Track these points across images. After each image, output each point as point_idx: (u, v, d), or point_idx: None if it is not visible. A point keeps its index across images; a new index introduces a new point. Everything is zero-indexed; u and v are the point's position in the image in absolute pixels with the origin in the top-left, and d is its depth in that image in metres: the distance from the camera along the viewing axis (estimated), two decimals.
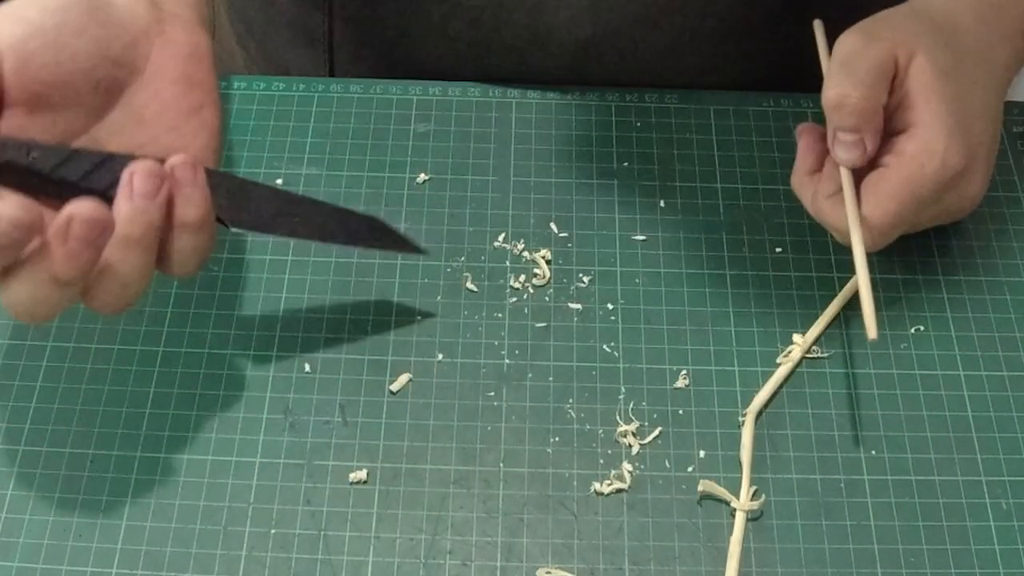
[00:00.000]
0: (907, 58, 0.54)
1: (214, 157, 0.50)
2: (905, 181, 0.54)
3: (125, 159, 0.47)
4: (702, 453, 0.55)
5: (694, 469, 0.54)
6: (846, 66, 0.54)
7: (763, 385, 0.56)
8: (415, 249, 0.57)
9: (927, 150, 0.54)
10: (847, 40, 0.55)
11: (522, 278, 0.60)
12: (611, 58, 0.68)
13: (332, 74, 0.72)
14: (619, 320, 0.58)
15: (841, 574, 0.51)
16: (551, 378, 0.57)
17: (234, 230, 0.50)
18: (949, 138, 0.53)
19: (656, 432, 0.55)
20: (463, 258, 0.61)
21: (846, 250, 0.61)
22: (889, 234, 0.55)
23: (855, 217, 0.54)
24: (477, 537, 0.52)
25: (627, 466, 0.54)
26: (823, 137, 0.57)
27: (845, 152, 0.55)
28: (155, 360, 0.57)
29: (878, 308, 0.59)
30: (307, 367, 0.57)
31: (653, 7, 0.66)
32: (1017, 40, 0.58)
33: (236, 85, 0.67)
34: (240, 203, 0.51)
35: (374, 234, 0.56)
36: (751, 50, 0.70)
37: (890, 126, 0.56)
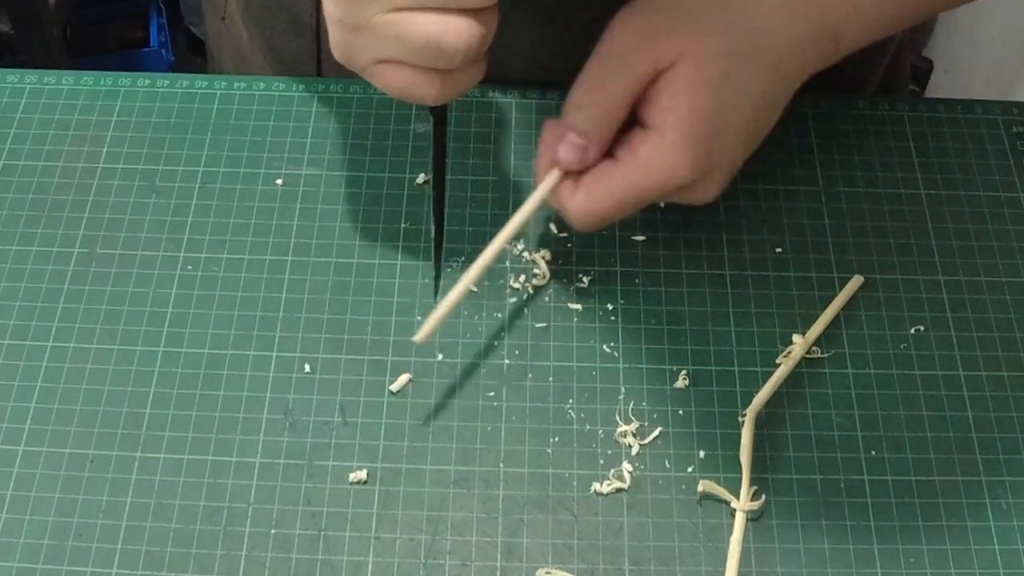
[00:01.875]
0: (671, 61, 0.52)
1: None
2: (628, 183, 0.53)
3: None
4: (702, 453, 0.54)
5: (694, 469, 0.54)
6: (605, 71, 0.53)
7: (763, 385, 0.56)
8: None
9: (657, 160, 0.52)
10: (620, 35, 0.53)
11: (522, 278, 0.60)
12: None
13: (320, 64, 0.72)
14: (619, 320, 0.58)
15: (841, 574, 0.51)
16: (551, 378, 0.57)
17: None
18: (683, 152, 0.51)
19: (656, 432, 0.55)
20: (463, 258, 0.61)
21: (846, 250, 0.61)
22: (598, 225, 0.54)
23: (522, 217, 0.55)
24: (477, 537, 0.52)
25: (627, 466, 0.54)
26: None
27: (567, 151, 0.53)
28: (155, 360, 0.57)
29: (878, 308, 0.59)
30: (307, 367, 0.57)
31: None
32: (825, 43, 0.54)
33: (236, 85, 0.67)
34: None
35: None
36: None
37: (635, 111, 0.54)
